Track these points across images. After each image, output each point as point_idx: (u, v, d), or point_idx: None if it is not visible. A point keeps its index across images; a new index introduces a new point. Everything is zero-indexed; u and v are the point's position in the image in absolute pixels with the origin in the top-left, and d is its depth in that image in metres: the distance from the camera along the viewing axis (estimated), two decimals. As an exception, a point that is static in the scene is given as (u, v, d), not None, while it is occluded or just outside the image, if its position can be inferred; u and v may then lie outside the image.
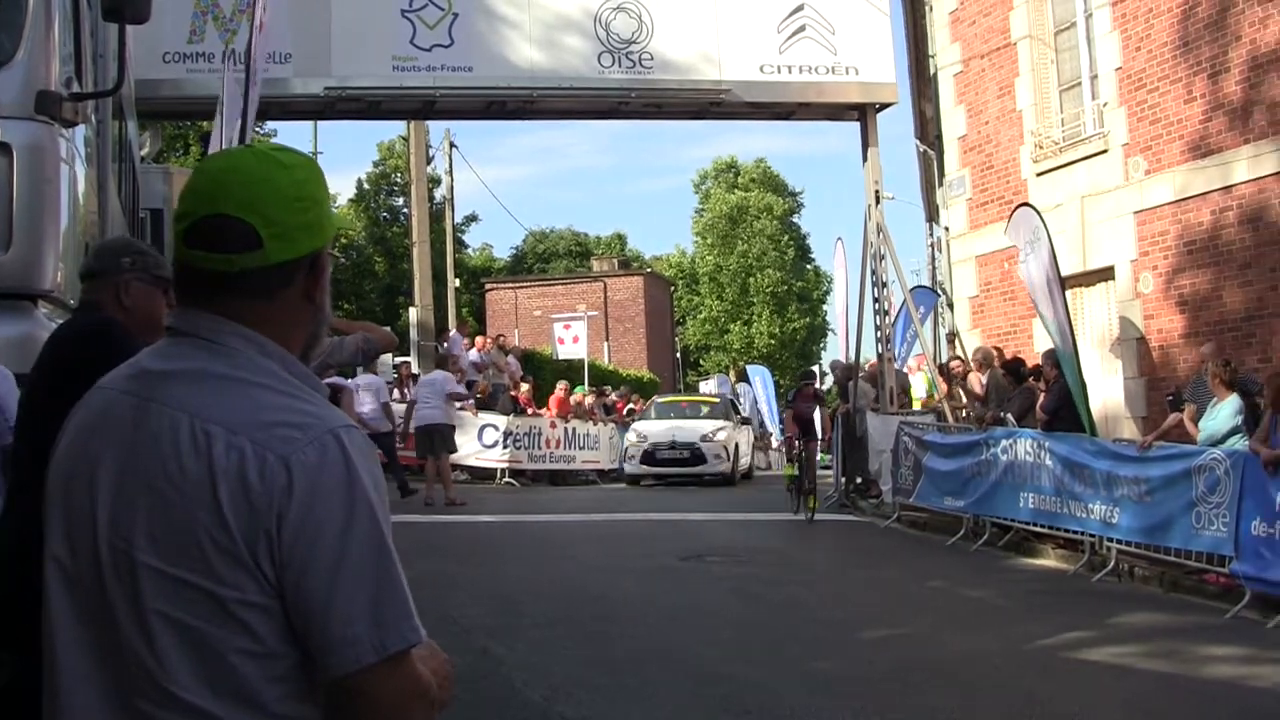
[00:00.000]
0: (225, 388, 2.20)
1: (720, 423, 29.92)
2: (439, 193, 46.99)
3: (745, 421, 33.58)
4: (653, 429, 29.26)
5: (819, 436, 22.02)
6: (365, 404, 20.81)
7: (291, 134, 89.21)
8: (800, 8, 21.37)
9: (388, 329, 8.85)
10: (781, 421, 22.27)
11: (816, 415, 22.43)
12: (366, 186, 64.17)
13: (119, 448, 2.19)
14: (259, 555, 2.11)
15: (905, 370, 23.80)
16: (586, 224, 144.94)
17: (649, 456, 28.33)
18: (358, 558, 2.13)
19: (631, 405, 36.55)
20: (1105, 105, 18.68)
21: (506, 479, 26.56)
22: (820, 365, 44.45)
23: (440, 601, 11.23)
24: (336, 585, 2.12)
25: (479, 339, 30.68)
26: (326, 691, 2.20)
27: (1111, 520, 14.16)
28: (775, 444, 60.56)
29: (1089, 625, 11.70)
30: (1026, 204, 17.69)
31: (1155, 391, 17.36)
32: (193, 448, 2.14)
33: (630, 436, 29.29)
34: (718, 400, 34.53)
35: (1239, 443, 12.90)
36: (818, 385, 22.83)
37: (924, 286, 27.71)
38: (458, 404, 23.05)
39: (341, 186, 68.93)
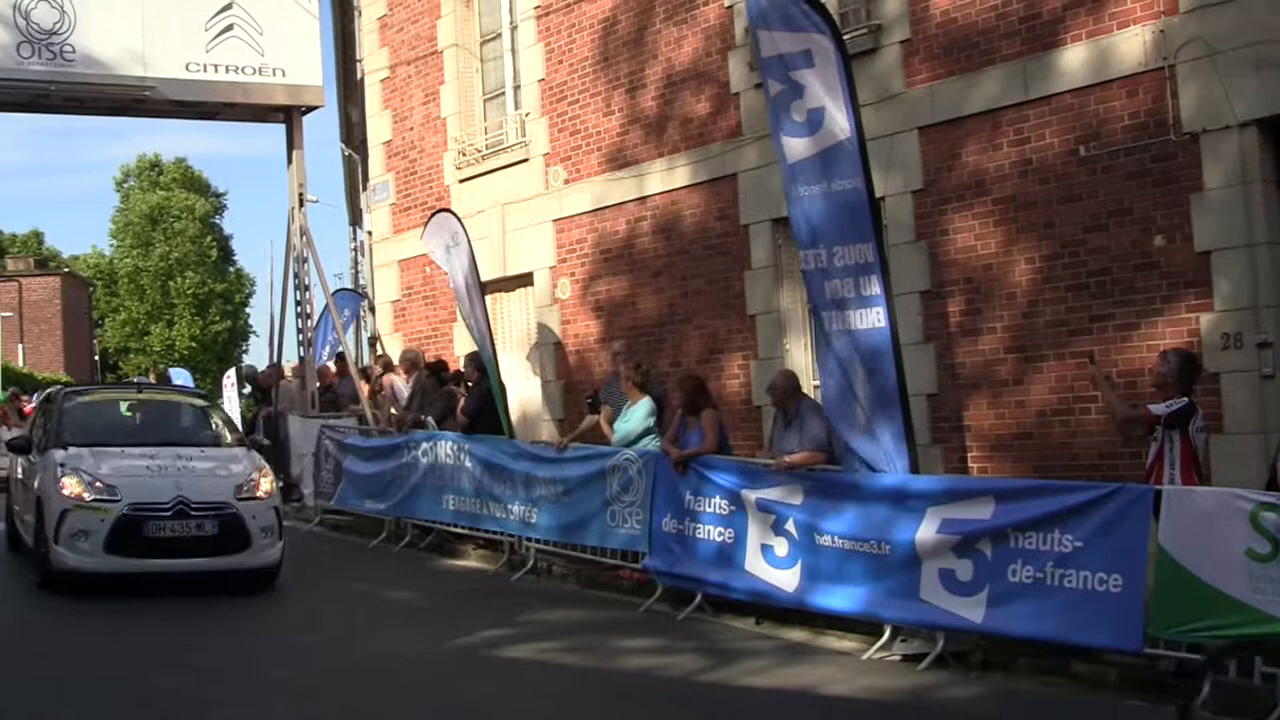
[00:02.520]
0: None
1: (246, 457, 14.34)
2: None
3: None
4: (119, 471, 13.29)
5: None
6: None
7: None
8: (229, 7, 20.91)
9: None
10: None
11: None
12: None
13: None
14: None
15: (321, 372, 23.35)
16: (0, 221, 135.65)
17: (128, 533, 12.76)
18: None
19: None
20: (527, 115, 19.00)
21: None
22: (241, 368, 43.20)
23: None
24: None
25: None
26: None
27: (530, 520, 14.38)
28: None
29: (509, 623, 11.82)
30: (445, 209, 17.83)
31: (572, 394, 17.78)
32: None
33: (68, 486, 13.00)
34: (202, 402, 17.42)
35: (652, 443, 13.33)
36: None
37: (347, 289, 27.53)
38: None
39: None
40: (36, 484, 13.73)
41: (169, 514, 12.74)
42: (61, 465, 13.16)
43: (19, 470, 15.41)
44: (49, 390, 19.49)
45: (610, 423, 14.60)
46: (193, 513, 12.86)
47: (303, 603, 13.56)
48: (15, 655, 10.35)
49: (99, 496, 12.78)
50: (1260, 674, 8.36)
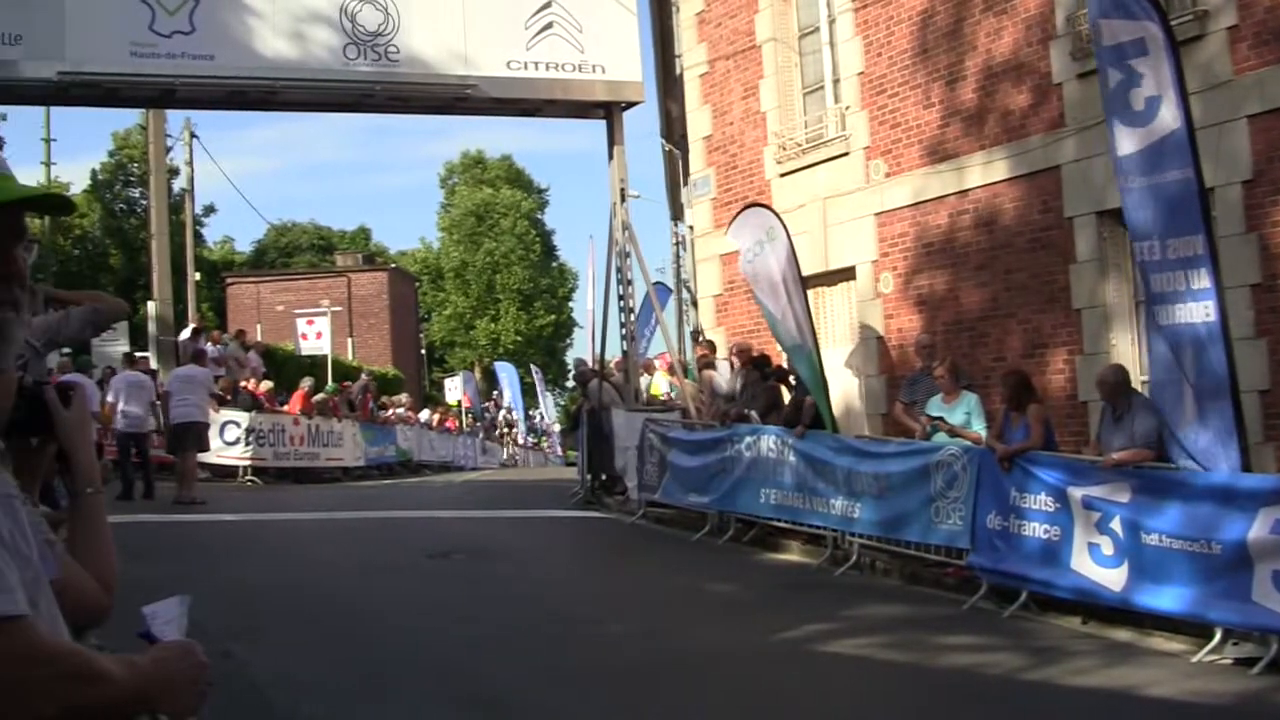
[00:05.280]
0: None
1: None
2: (177, 184, 45.49)
3: None
4: None
5: None
6: (130, 403, 20.46)
7: (21, 119, 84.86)
8: (548, 5, 21.47)
9: (119, 299, 8.59)
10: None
11: None
12: (101, 177, 61.56)
13: None
14: None
15: (640, 368, 23.74)
16: (330, 218, 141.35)
17: None
18: None
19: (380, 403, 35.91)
20: (847, 109, 19.04)
21: (249, 477, 25.89)
22: (567, 362, 44.47)
23: (179, 603, 10.81)
24: None
25: (213, 333, 30.19)
26: None
27: (852, 515, 14.43)
28: (521, 439, 60.96)
29: (831, 618, 11.88)
30: (757, 203, 18.02)
31: (894, 389, 17.76)
32: None
33: None
34: None
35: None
36: None
37: (660, 284, 28.00)
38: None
39: (75, 175, 66.18)
40: None
41: None
42: None
43: None
44: None
45: (913, 419, 14.66)
46: None
47: (624, 594, 13.88)
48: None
49: None
50: None
